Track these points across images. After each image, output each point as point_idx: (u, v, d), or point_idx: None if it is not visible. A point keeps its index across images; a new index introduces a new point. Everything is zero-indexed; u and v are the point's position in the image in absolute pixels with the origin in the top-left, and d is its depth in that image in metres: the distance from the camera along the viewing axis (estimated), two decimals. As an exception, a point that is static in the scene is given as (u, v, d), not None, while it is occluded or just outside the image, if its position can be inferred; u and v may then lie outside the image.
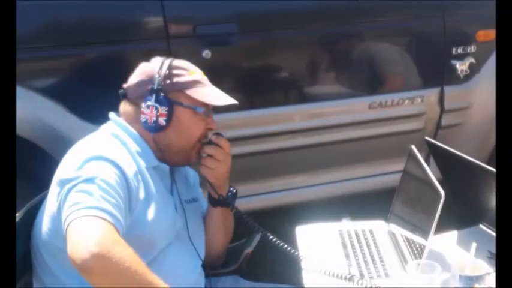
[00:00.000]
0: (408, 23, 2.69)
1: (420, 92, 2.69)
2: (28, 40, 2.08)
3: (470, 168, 1.69)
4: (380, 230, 1.85)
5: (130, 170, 1.45)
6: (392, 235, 1.80)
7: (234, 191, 1.71)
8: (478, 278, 1.37)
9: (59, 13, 2.17)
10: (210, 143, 1.63)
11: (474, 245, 1.43)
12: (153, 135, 1.56)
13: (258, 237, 1.73)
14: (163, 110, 1.53)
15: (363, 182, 2.75)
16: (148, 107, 1.53)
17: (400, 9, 2.67)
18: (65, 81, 2.21)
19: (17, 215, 1.44)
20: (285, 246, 1.64)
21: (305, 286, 1.57)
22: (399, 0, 2.66)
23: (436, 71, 2.72)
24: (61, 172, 1.43)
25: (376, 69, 2.70)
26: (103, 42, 2.23)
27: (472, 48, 2.72)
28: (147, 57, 1.64)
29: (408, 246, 1.67)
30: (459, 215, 1.92)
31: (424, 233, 1.54)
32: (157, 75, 1.54)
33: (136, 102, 1.57)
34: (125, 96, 1.59)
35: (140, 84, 1.57)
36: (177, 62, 1.60)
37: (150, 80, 1.55)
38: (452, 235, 1.81)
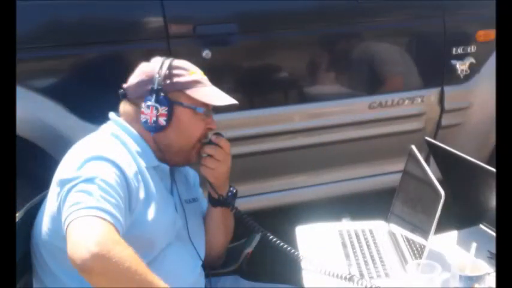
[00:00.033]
0: (408, 23, 2.69)
1: (420, 92, 2.69)
2: (28, 40, 2.08)
3: (470, 168, 1.69)
4: (380, 230, 1.85)
5: (131, 170, 1.45)
6: (392, 235, 1.80)
7: (234, 191, 1.71)
8: (478, 278, 1.37)
9: (59, 13, 2.17)
10: (210, 143, 1.63)
11: (474, 245, 1.43)
12: (153, 135, 1.56)
13: (258, 237, 1.73)
14: (163, 110, 1.53)
15: (363, 182, 2.75)
16: (148, 107, 1.53)
17: (400, 9, 2.67)
18: (65, 81, 2.21)
19: (17, 215, 1.44)
20: (285, 246, 1.64)
21: (305, 286, 1.57)
22: (399, 0, 2.66)
23: (436, 71, 2.72)
24: (61, 172, 1.43)
25: (376, 69, 2.70)
26: (103, 42, 2.23)
27: (472, 48, 2.72)
28: (147, 57, 1.64)
29: (408, 246, 1.66)
30: (459, 215, 1.92)
31: (424, 233, 1.54)
32: (157, 75, 1.54)
33: (136, 102, 1.57)
34: (124, 96, 1.59)
35: (140, 84, 1.57)
36: (177, 62, 1.59)
37: (150, 80, 1.55)
38: (452, 235, 1.80)
